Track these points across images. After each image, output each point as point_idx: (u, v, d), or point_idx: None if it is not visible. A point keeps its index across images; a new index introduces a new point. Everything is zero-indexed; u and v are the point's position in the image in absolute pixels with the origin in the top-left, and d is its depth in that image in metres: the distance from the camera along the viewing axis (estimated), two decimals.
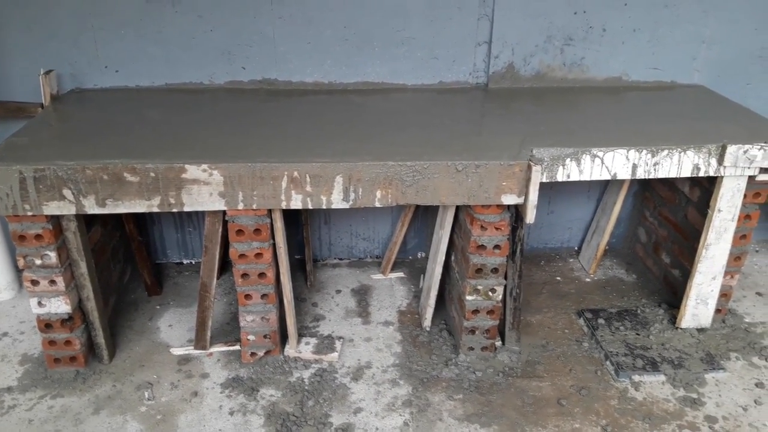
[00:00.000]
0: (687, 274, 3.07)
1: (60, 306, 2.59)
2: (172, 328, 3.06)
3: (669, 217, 3.26)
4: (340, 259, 3.64)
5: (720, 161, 2.56)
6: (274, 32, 3.01)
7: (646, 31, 3.17)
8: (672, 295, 3.24)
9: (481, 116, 2.89)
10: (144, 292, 3.32)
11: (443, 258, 2.91)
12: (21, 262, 2.48)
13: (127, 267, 3.37)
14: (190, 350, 2.88)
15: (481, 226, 2.57)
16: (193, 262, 3.56)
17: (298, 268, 3.50)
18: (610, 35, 3.16)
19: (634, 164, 2.53)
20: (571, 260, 3.67)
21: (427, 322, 3.03)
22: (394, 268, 3.53)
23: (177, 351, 2.89)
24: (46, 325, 2.62)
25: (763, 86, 3.34)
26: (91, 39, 2.95)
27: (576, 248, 3.75)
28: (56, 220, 2.46)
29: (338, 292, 3.36)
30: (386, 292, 3.36)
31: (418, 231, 3.57)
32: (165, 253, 3.53)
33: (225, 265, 3.42)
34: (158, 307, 3.22)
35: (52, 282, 2.53)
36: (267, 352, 2.80)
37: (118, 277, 3.23)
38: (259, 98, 3.02)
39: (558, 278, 3.49)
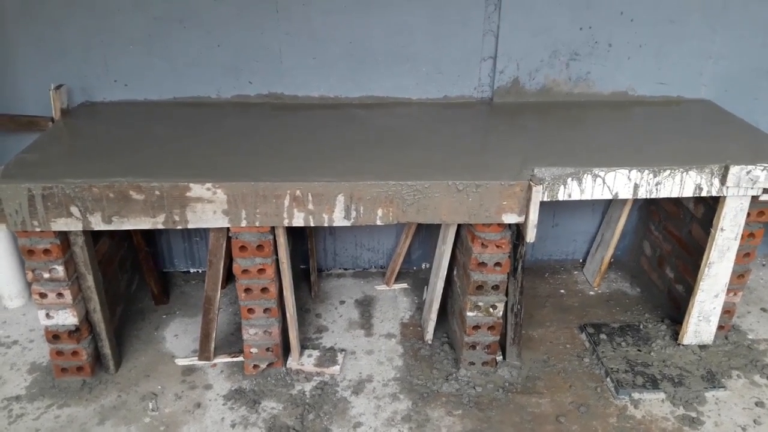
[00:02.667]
0: (691, 290, 3.06)
1: (67, 318, 2.64)
2: (178, 338, 3.11)
3: (673, 232, 3.26)
4: (345, 269, 3.68)
5: (723, 181, 2.55)
6: (280, 48, 3.04)
7: (653, 46, 3.16)
8: (675, 310, 3.24)
9: (484, 133, 2.90)
10: (151, 301, 3.37)
11: (445, 272, 2.93)
12: (29, 276, 2.54)
13: (135, 276, 3.43)
14: (195, 361, 2.93)
15: (482, 244, 2.59)
16: (200, 271, 3.61)
17: (303, 277, 3.54)
18: (616, 50, 3.16)
19: (635, 184, 2.54)
20: (576, 272, 3.67)
21: (428, 336, 3.06)
22: (398, 279, 3.56)
23: (182, 362, 2.93)
24: (53, 336, 2.68)
25: None
26: (100, 54, 3.00)
27: (581, 260, 3.76)
28: (64, 236, 2.51)
29: (342, 302, 3.39)
30: (389, 303, 3.39)
31: (422, 242, 3.59)
32: (172, 262, 3.58)
33: (230, 275, 3.45)
34: (165, 316, 3.27)
35: (60, 295, 2.58)
36: (269, 365, 2.84)
37: (125, 287, 3.29)
38: (265, 113, 3.05)
39: (562, 291, 3.50)
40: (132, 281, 3.40)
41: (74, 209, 2.37)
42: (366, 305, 3.37)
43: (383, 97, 3.20)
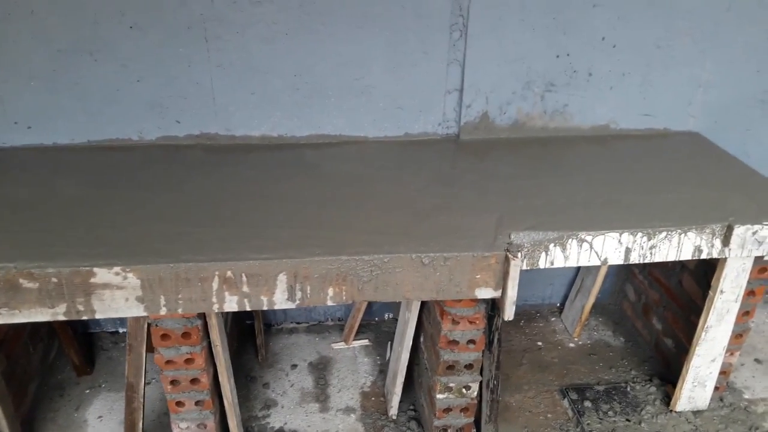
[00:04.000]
0: (681, 345, 2.76)
1: None
2: (102, 420, 2.67)
3: (661, 280, 2.94)
4: (298, 323, 3.26)
5: (725, 243, 2.22)
6: (212, 82, 2.60)
7: (637, 74, 2.81)
8: (665, 366, 2.93)
9: (451, 182, 2.50)
10: (72, 372, 2.91)
11: (410, 342, 2.55)
12: None
13: (53, 342, 2.96)
14: None
15: (453, 320, 2.21)
16: None
17: (249, 336, 3.11)
18: (596, 80, 2.80)
19: (627, 248, 2.19)
20: (553, 319, 3.33)
21: (393, 411, 2.68)
22: (358, 334, 3.16)
23: None
24: None
25: (764, 131, 3.02)
26: None
27: (558, 305, 3.42)
28: None
29: (294, 367, 2.98)
30: (348, 366, 2.99)
31: None
32: (97, 321, 3.12)
33: None
34: (87, 391, 2.82)
35: None
36: None
37: (40, 359, 2.83)
38: (196, 158, 2.61)
39: (539, 343, 3.16)
40: (49, 350, 2.93)
41: None
42: (321, 369, 2.97)
43: (335, 136, 2.79)
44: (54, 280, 1.91)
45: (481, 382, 2.40)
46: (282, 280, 2.01)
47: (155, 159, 2.60)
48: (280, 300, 2.05)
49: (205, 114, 2.67)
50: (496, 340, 2.41)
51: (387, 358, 2.99)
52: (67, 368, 2.93)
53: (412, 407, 2.74)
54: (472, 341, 2.26)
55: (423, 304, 2.48)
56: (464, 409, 2.40)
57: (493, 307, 2.32)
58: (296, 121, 2.74)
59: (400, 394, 2.65)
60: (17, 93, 2.53)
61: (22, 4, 2.37)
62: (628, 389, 2.82)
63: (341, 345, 3.12)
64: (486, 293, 2.11)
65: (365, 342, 3.15)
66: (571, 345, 3.15)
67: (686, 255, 2.23)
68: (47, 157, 2.60)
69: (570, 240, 2.14)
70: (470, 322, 2.22)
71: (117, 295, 1.96)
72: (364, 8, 2.53)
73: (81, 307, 1.97)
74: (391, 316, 3.30)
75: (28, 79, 2.51)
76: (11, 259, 1.92)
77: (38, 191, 2.32)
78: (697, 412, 2.70)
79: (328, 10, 2.52)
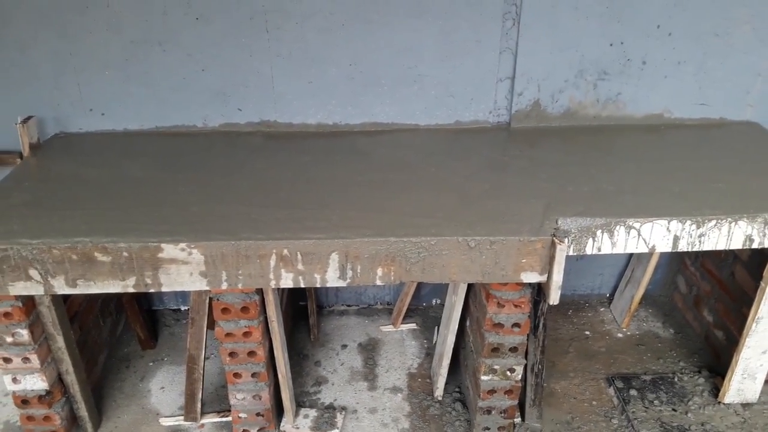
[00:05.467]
0: (732, 338, 2.74)
1: (36, 383, 2.38)
2: (165, 390, 2.84)
3: (713, 271, 2.91)
4: (348, 305, 3.37)
5: None
6: (272, 71, 2.72)
7: (693, 62, 2.78)
8: (714, 358, 2.91)
9: (500, 169, 2.55)
10: (138, 345, 3.10)
11: (456, 325, 2.62)
12: None
13: (121, 317, 3.16)
14: (181, 421, 2.66)
15: (498, 303, 2.27)
16: None
17: (302, 316, 3.24)
18: (650, 68, 2.79)
19: (675, 236, 2.19)
20: (602, 309, 3.34)
21: (438, 392, 2.76)
22: (406, 317, 3.25)
23: (166, 422, 2.67)
24: (22, 401, 2.42)
25: None
26: (73, 81, 2.70)
27: (608, 295, 3.42)
28: (27, 296, 2.23)
29: (344, 347, 3.09)
30: (396, 348, 3.09)
31: None
32: (161, 299, 3.31)
33: None
34: (151, 363, 3.00)
35: (26, 359, 2.32)
36: (260, 429, 2.56)
37: (109, 332, 3.03)
38: (256, 144, 2.74)
39: (587, 332, 3.17)
40: (117, 324, 3.14)
41: (33, 272, 2.08)
42: (370, 350, 3.07)
43: (388, 124, 2.87)
44: (125, 254, 2.06)
45: (525, 366, 2.46)
46: (334, 259, 2.11)
47: (217, 145, 2.74)
48: (332, 278, 2.15)
49: (265, 102, 2.79)
50: (541, 325, 2.45)
51: (434, 342, 3.07)
52: (132, 342, 3.12)
53: (457, 389, 2.81)
54: (517, 324, 2.31)
55: (469, 288, 2.54)
56: (508, 392, 2.46)
57: (539, 292, 2.36)
58: (351, 110, 2.83)
59: (445, 375, 2.72)
60: (93, 81, 2.71)
61: None
62: (676, 380, 2.81)
63: (389, 328, 3.22)
64: (532, 277, 2.16)
65: (413, 326, 3.23)
66: (619, 335, 3.15)
67: (737, 244, 2.22)
68: (118, 141, 2.77)
69: (618, 226, 2.16)
70: (515, 306, 2.27)
71: (182, 270, 2.10)
72: None
73: (149, 280, 2.12)
74: (438, 301, 3.37)
75: (103, 68, 2.68)
76: (87, 234, 2.08)
77: (109, 173, 2.49)
78: (746, 405, 2.68)
79: (383, 0, 2.59)
